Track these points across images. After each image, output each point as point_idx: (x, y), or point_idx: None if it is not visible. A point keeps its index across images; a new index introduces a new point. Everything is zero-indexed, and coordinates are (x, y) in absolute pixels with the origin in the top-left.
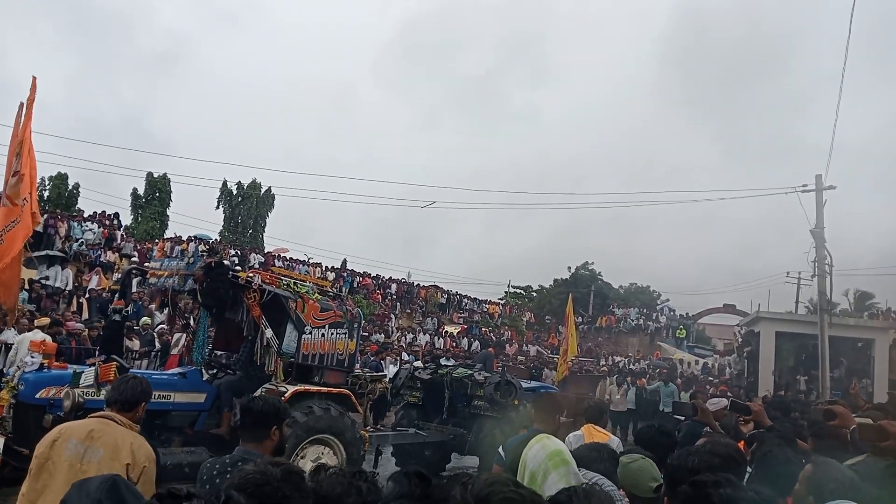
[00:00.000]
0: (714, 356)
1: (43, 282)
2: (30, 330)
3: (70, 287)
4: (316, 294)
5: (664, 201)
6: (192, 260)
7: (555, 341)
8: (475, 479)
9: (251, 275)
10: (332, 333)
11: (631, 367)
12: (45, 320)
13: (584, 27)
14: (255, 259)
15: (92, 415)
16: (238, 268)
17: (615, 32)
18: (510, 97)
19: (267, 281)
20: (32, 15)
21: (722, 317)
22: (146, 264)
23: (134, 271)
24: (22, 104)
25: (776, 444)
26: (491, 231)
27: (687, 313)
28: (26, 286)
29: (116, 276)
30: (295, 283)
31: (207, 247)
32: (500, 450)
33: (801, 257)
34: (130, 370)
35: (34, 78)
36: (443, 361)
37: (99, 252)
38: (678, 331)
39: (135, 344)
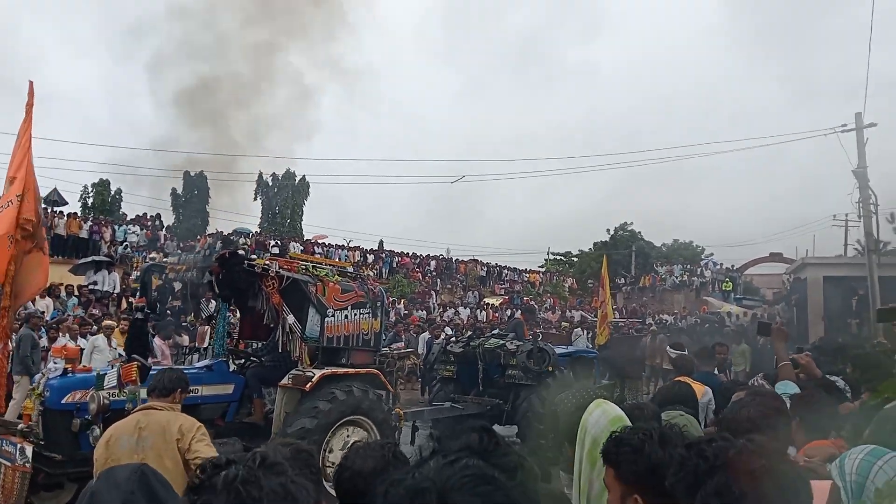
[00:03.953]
0: (763, 306)
1: (91, 286)
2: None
3: (118, 290)
4: (336, 276)
5: (700, 154)
6: (207, 252)
7: (597, 304)
8: None
9: (268, 262)
10: (356, 314)
11: (679, 323)
12: (108, 322)
13: None
14: (295, 247)
15: (135, 409)
16: (254, 256)
17: None
18: (561, 55)
19: (285, 267)
20: (65, 16)
21: (769, 266)
22: (164, 260)
23: (153, 268)
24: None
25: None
26: (529, 200)
27: (732, 265)
28: (76, 292)
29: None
30: (314, 267)
31: (225, 238)
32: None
33: (846, 199)
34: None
35: (31, 82)
36: (489, 334)
37: (144, 253)
38: (724, 284)
39: (184, 340)
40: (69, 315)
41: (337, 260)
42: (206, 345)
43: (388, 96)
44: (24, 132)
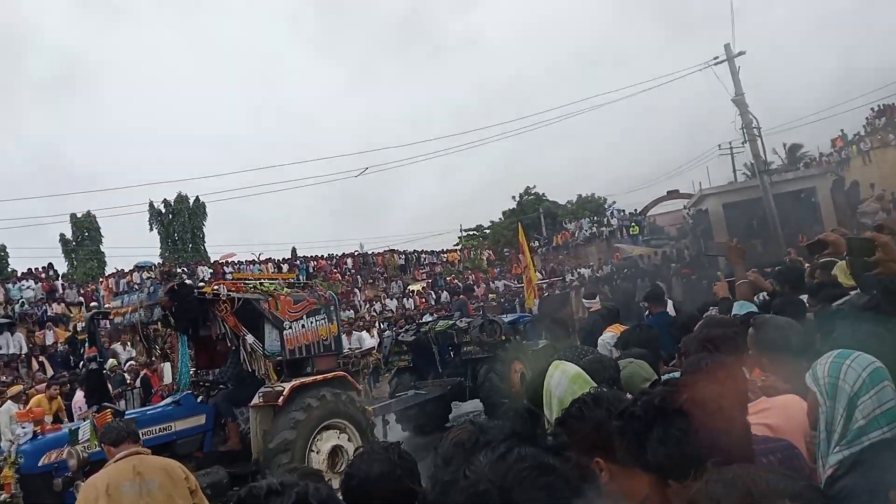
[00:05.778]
0: (670, 243)
1: None
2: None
3: (25, 350)
4: (285, 288)
5: (586, 109)
6: (152, 289)
7: (518, 271)
8: None
9: (216, 287)
10: (312, 322)
11: (596, 274)
12: (18, 388)
13: None
14: (203, 272)
15: (119, 457)
16: (202, 283)
17: None
18: (443, 29)
19: (233, 289)
20: None
21: (670, 204)
22: (106, 306)
23: (97, 316)
24: None
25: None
26: (434, 181)
27: (636, 210)
28: None
29: (80, 325)
30: (261, 284)
31: (162, 272)
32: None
33: (731, 128)
34: (126, 413)
35: None
36: (426, 318)
37: (44, 307)
38: (631, 228)
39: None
40: None
41: (250, 274)
42: (169, 381)
43: (270, 98)
44: None
